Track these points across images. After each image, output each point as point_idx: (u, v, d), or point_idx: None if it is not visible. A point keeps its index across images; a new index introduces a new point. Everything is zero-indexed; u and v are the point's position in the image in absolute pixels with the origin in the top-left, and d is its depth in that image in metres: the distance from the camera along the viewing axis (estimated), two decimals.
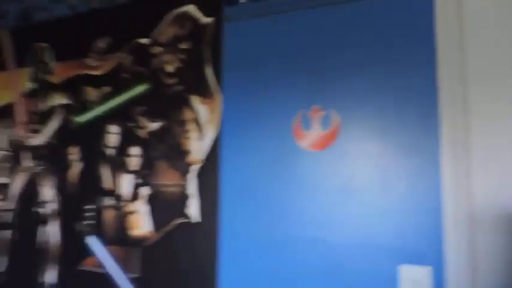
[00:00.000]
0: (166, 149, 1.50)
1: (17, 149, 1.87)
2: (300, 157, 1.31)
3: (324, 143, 1.28)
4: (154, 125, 1.53)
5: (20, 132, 1.87)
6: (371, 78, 1.23)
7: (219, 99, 1.43)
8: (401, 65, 1.20)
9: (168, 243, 1.48)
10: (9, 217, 1.87)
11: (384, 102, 1.21)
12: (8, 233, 1.88)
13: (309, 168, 1.29)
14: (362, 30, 1.26)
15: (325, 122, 1.28)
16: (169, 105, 1.51)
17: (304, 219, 1.28)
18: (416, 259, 1.13)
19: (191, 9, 1.50)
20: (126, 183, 1.58)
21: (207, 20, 1.47)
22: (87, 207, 1.66)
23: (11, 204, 1.88)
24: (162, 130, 1.52)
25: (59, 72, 1.78)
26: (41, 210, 1.77)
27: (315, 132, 1.30)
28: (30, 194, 1.81)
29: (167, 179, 1.49)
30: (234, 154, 1.39)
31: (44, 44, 1.83)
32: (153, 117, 1.54)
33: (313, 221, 1.26)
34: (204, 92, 1.45)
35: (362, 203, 1.20)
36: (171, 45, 1.52)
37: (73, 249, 1.67)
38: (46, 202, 1.76)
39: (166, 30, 1.54)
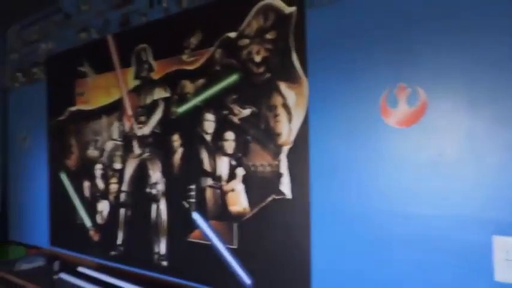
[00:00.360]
0: (258, 133, 1.64)
1: (127, 138, 2.17)
2: (387, 134, 1.36)
3: (411, 120, 1.32)
4: (246, 112, 1.68)
5: (129, 124, 2.16)
6: (458, 50, 1.23)
7: (305, 83, 1.52)
8: (492, 34, 1.19)
9: (263, 218, 1.63)
10: (124, 197, 2.19)
11: (474, 74, 1.21)
12: (122, 211, 2.20)
13: (396, 145, 1.34)
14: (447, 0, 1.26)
15: (412, 99, 1.32)
16: (259, 92, 1.64)
17: (392, 194, 1.33)
18: (510, 230, 1.14)
19: (274, 0, 1.60)
20: (223, 165, 1.76)
21: (290, 9, 1.56)
22: (190, 187, 1.88)
23: (125, 186, 2.19)
24: (253, 116, 1.66)
25: (159, 69, 2.02)
26: (151, 190, 2.04)
27: (402, 110, 1.34)
28: (140, 177, 2.10)
29: (260, 160, 1.64)
30: (322, 134, 1.49)
31: (144, 45, 2.08)
32: (244, 104, 1.69)
33: (402, 196, 1.32)
34: (291, 78, 1.56)
35: (453, 176, 1.23)
36: (257, 37, 1.65)
37: (180, 224, 1.92)
38: (155, 184, 2.03)
39: (252, 23, 1.67)
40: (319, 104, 1.50)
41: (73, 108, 2.49)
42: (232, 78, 1.73)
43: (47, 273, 2.26)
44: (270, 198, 1.61)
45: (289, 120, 1.57)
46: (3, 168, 3.14)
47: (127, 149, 2.17)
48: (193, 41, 1.87)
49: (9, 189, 3.11)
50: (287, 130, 1.57)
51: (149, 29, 2.06)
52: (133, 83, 2.15)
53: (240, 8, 1.70)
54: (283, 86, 1.58)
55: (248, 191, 1.68)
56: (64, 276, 2.17)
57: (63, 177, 2.55)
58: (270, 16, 1.62)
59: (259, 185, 1.64)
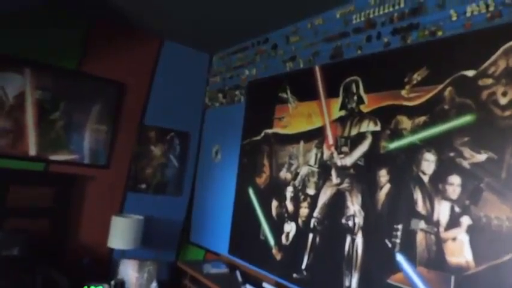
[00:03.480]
0: (496, 182, 1.48)
1: (325, 166, 2.22)
2: None
3: None
4: (481, 157, 1.54)
5: (328, 152, 2.22)
6: None
7: None
8: None
9: (494, 277, 1.45)
10: (314, 223, 2.24)
11: None
12: (311, 236, 2.24)
13: None
14: None
15: None
16: (501, 137, 1.49)
17: None
18: None
19: None
20: (443, 211, 1.64)
21: None
22: (395, 226, 1.81)
23: (316, 212, 2.24)
24: (490, 162, 1.51)
25: (369, 103, 2.03)
26: (347, 222, 2.04)
27: None
28: (336, 207, 2.12)
29: (495, 212, 1.47)
30: None
31: (355, 78, 2.12)
32: (479, 149, 1.55)
33: None
34: None
35: None
36: (503, 77, 1.51)
37: (379, 263, 1.85)
38: (352, 216, 2.02)
39: (498, 62, 1.54)
40: None
41: (270, 131, 2.69)
42: (465, 119, 1.61)
43: (233, 282, 2.43)
44: (507, 257, 1.43)
45: None
46: (193, 176, 3.58)
47: (323, 176, 2.23)
48: (416, 76, 1.82)
49: (196, 195, 3.52)
50: None
51: (363, 62, 2.10)
52: (338, 113, 2.20)
53: (483, 46, 1.59)
54: None
55: (474, 244, 1.52)
56: None
57: (251, 192, 2.76)
58: None
59: (492, 240, 1.47)
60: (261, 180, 2.69)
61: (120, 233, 2.90)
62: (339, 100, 2.21)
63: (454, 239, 1.59)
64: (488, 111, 1.55)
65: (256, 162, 2.75)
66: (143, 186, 3.35)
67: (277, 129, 2.63)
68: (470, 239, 1.54)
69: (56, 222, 2.85)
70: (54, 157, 2.92)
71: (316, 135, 2.32)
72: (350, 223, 2.02)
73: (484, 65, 1.58)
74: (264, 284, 2.35)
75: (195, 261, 3.11)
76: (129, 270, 3.04)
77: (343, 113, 2.18)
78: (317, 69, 2.38)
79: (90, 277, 2.84)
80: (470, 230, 1.54)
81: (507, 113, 1.49)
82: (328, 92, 2.30)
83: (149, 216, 3.24)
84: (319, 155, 2.28)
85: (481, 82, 1.58)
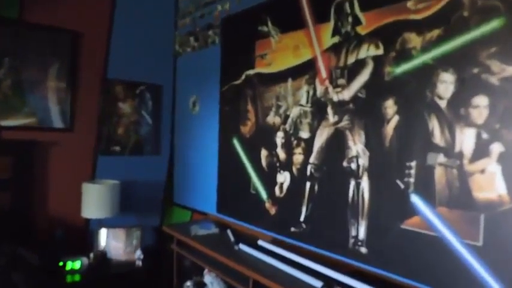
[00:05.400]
0: None
1: (319, 104, 1.92)
2: None
3: None
4: None
5: (322, 88, 1.90)
6: None
7: None
8: None
9: None
10: (311, 170, 1.97)
11: None
12: (308, 185, 1.98)
13: None
14: None
15: None
16: None
17: None
18: None
19: None
20: (467, 139, 1.38)
21: None
22: (408, 164, 1.55)
23: (313, 158, 1.96)
24: None
25: (368, 22, 1.69)
26: (349, 165, 1.77)
27: None
28: (335, 149, 1.84)
29: None
30: None
31: None
32: (509, 60, 1.26)
33: None
34: None
35: None
36: None
37: (390, 207, 1.61)
38: (355, 157, 1.75)
39: None
40: None
41: (252, 72, 2.34)
42: (492, 25, 1.30)
43: (224, 242, 2.19)
44: None
45: None
46: (171, 132, 3.24)
47: (318, 116, 1.93)
48: None
49: (176, 152, 3.20)
50: None
51: None
52: (330, 41, 1.86)
53: None
54: None
55: (508, 174, 1.28)
56: (245, 248, 2.07)
57: (236, 143, 2.45)
58: None
59: None
60: (247, 128, 2.38)
61: (94, 201, 2.60)
62: (331, 25, 1.86)
63: (482, 171, 1.34)
64: None
65: (239, 109, 2.42)
66: (117, 148, 3.01)
67: (260, 69, 2.29)
68: (503, 169, 1.29)
69: (18, 195, 2.51)
70: (5, 122, 2.52)
71: (306, 70, 1.99)
72: (353, 166, 1.76)
73: None
74: (260, 242, 2.12)
75: (181, 224, 2.86)
76: (110, 240, 2.78)
77: (336, 39, 1.84)
78: None
79: (66, 251, 2.56)
80: (502, 159, 1.29)
81: None
82: (316, 17, 1.94)
83: (127, 180, 2.93)
84: (311, 92, 1.97)
85: None
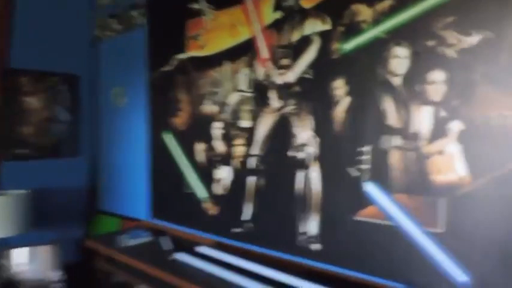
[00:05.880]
0: (495, 69, 1.12)
1: (261, 88, 1.71)
2: None
3: None
4: (472, 39, 1.15)
5: (264, 70, 1.70)
6: None
7: None
8: None
9: (496, 191, 1.13)
10: (254, 162, 1.76)
11: None
12: (252, 180, 1.77)
13: None
14: None
15: None
16: (499, 9, 1.11)
17: None
18: None
19: None
20: (423, 118, 1.26)
21: None
22: (361, 149, 1.40)
23: (256, 149, 1.75)
24: (484, 44, 1.13)
25: None
26: (296, 154, 1.59)
27: None
28: (280, 137, 1.65)
29: (496, 109, 1.12)
30: None
31: None
32: (468, 29, 1.16)
33: None
34: None
35: None
36: None
37: (343, 197, 1.46)
38: (302, 145, 1.57)
39: None
40: None
41: (183, 56, 2.06)
42: None
43: (159, 252, 1.90)
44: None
45: None
46: (95, 129, 2.83)
47: (260, 102, 1.72)
48: None
49: (100, 152, 2.80)
50: None
51: None
52: (271, 16, 1.67)
53: None
54: None
55: (469, 154, 1.18)
56: (182, 256, 1.80)
57: (168, 138, 2.16)
58: None
59: (493, 145, 1.13)
60: (180, 120, 2.10)
61: None
62: None
63: (441, 152, 1.23)
64: None
65: (171, 99, 2.14)
66: (25, 151, 2.55)
67: (192, 52, 2.02)
68: (463, 149, 1.18)
69: None
70: None
71: (244, 51, 1.77)
72: (301, 155, 1.58)
73: None
74: (199, 248, 1.86)
75: (109, 234, 2.49)
76: (21, 262, 2.33)
77: (278, 14, 1.65)
78: None
79: None
80: (462, 138, 1.18)
81: None
82: None
83: (40, 188, 2.48)
84: (251, 76, 1.75)
85: None
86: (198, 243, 1.91)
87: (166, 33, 2.16)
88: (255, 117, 1.74)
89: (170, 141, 2.15)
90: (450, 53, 1.20)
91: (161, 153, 2.21)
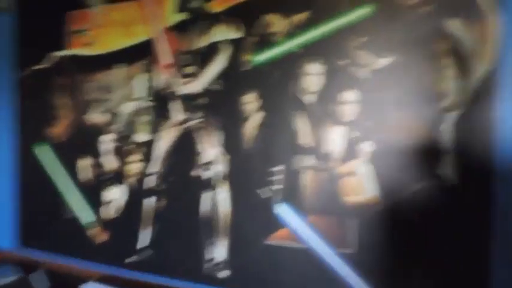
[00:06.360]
0: (405, 91, 1.14)
1: (162, 98, 1.51)
2: None
3: None
4: (384, 61, 1.16)
5: (165, 77, 1.50)
6: None
7: (494, 21, 1.05)
8: None
9: (405, 211, 1.15)
10: (153, 182, 1.54)
11: None
12: (150, 202, 1.55)
13: None
14: None
15: None
16: (409, 33, 1.13)
17: None
18: None
19: None
20: (336, 138, 1.23)
21: None
22: (273, 169, 1.32)
23: (155, 166, 1.54)
24: (396, 66, 1.15)
25: None
26: (201, 173, 1.43)
27: None
28: (184, 154, 1.47)
29: (404, 131, 1.15)
30: None
31: None
32: (381, 51, 1.17)
33: None
34: (469, 12, 1.07)
35: None
36: None
37: (254, 220, 1.35)
38: (208, 163, 1.42)
39: None
40: None
41: (64, 53, 1.72)
42: (362, 12, 1.19)
43: None
44: (419, 185, 1.13)
45: (462, 75, 1.09)
46: None
47: (161, 113, 1.51)
48: None
49: None
50: (456, 89, 1.09)
51: None
52: (175, 17, 1.48)
53: None
54: (454, 25, 1.09)
55: (380, 174, 1.18)
56: None
57: (43, 151, 1.78)
58: None
59: (402, 166, 1.15)
60: (58, 130, 1.74)
61: None
62: None
63: (353, 172, 1.22)
64: None
65: (46, 104, 1.76)
66: None
67: (77, 50, 1.70)
68: (375, 170, 1.18)
69: None
70: None
71: (143, 54, 1.54)
72: (207, 174, 1.43)
73: None
74: (82, 287, 1.55)
75: None
76: None
77: (183, 16, 1.47)
78: None
79: None
80: (373, 158, 1.19)
81: (414, 0, 1.13)
82: None
83: None
84: (151, 83, 1.54)
85: None
86: (83, 279, 1.60)
87: (43, 23, 1.77)
88: (154, 130, 1.53)
89: (46, 154, 1.78)
90: (363, 73, 1.19)
91: (33, 169, 1.81)
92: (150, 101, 1.54)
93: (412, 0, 1.13)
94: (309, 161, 1.27)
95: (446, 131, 1.10)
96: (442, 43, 1.10)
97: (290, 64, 1.28)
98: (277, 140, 1.31)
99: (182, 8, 1.46)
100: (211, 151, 1.42)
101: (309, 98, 1.26)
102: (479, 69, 1.07)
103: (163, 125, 1.51)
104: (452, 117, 1.10)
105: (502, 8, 1.04)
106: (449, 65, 1.09)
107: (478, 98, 1.07)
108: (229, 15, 1.37)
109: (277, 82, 1.30)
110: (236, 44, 1.37)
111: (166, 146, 1.51)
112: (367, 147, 1.19)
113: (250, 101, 1.35)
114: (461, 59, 1.08)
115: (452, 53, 1.09)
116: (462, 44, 1.08)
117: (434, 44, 1.11)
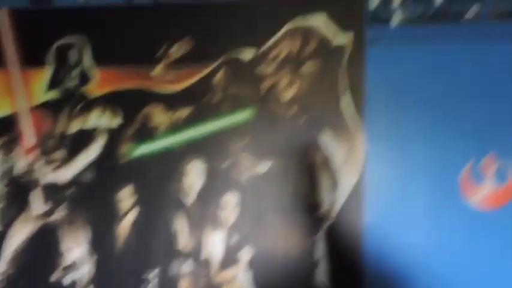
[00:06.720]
0: (283, 199, 1.14)
1: (20, 185, 1.28)
2: (467, 216, 1.09)
3: (499, 200, 1.09)
4: (262, 166, 1.16)
5: (26, 160, 1.29)
6: None
7: (359, 137, 1.13)
8: None
9: None
10: None
11: None
12: None
13: (476, 229, 1.09)
14: None
15: (501, 175, 1.09)
16: (287, 141, 1.16)
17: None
18: None
19: (319, 23, 1.18)
20: (215, 243, 1.16)
21: (341, 39, 1.17)
22: (147, 275, 1.18)
23: (2, 266, 1.27)
24: (274, 173, 1.15)
25: (103, 81, 1.27)
26: (63, 278, 1.22)
27: (487, 187, 1.10)
28: (42, 253, 1.24)
29: (282, 239, 1.13)
30: (382, 209, 1.11)
31: (77, 38, 1.29)
32: (261, 155, 1.17)
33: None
34: (339, 127, 1.14)
35: None
36: (289, 66, 1.18)
37: None
38: (72, 266, 1.22)
39: (281, 45, 1.19)
40: (379, 169, 1.13)
41: None
42: (244, 115, 1.19)
43: None
44: None
45: (333, 185, 1.13)
46: None
47: (16, 202, 1.27)
48: (176, 50, 1.24)
49: None
50: (329, 200, 1.13)
51: (93, 14, 1.30)
52: (45, 95, 1.31)
53: (268, 18, 1.20)
54: (326, 138, 1.15)
55: (259, 281, 1.13)
56: None
57: None
58: (311, 42, 1.18)
59: (281, 273, 1.12)
60: None
61: None
62: (47, 72, 1.32)
63: (231, 280, 1.15)
64: (269, 107, 1.18)
65: None
66: None
67: None
68: (254, 277, 1.14)
69: None
70: None
71: (2, 130, 1.32)
72: (70, 278, 1.22)
73: (265, 45, 1.20)
74: None
75: None
76: None
77: (55, 94, 1.31)
78: (3, 14, 1.36)
79: None
80: (253, 265, 1.14)
81: (291, 111, 1.17)
82: (26, 56, 1.34)
83: None
84: (7, 165, 1.30)
85: (261, 68, 1.20)
86: None
87: None
88: (6, 222, 1.28)
89: None
90: (244, 176, 1.17)
91: None
92: (5, 186, 1.30)
93: (288, 110, 1.17)
94: (187, 266, 1.17)
95: (320, 239, 1.12)
96: (315, 155, 1.14)
97: (170, 161, 1.20)
98: (152, 241, 1.19)
99: (55, 85, 1.31)
100: (76, 251, 1.23)
101: (188, 199, 1.19)
102: (348, 181, 1.13)
103: (19, 217, 1.28)
104: (325, 225, 1.12)
105: (366, 125, 1.14)
106: (322, 176, 1.13)
107: (348, 207, 1.12)
108: (108, 102, 1.27)
109: (155, 179, 1.21)
110: (113, 133, 1.25)
111: (18, 242, 1.27)
112: (246, 253, 1.15)
113: (125, 198, 1.22)
114: (332, 171, 1.13)
115: (324, 165, 1.14)
116: (333, 157, 1.14)
117: (309, 154, 1.14)
